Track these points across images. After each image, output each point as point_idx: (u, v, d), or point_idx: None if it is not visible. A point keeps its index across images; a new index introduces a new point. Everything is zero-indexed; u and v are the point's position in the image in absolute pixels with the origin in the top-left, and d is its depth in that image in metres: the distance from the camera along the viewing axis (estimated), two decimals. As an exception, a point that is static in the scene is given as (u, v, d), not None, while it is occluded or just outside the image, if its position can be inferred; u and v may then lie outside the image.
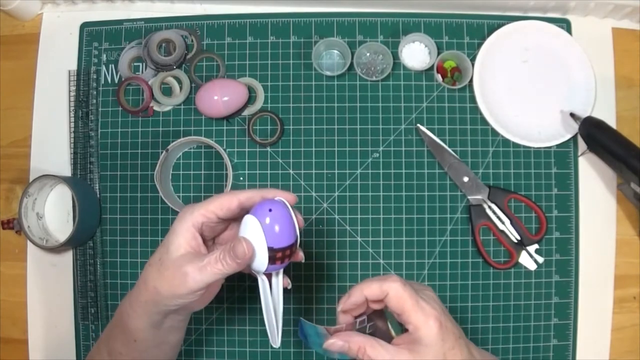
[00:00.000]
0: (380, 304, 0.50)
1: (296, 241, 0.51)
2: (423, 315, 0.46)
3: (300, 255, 0.54)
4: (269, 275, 0.53)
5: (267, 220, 0.49)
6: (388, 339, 0.50)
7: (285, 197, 0.51)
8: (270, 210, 0.49)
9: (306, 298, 0.72)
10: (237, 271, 0.49)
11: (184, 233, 0.51)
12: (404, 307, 0.47)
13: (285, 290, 0.54)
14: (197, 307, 0.55)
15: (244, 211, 0.51)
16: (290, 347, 0.71)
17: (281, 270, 0.53)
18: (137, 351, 0.54)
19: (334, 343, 0.48)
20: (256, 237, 0.49)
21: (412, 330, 0.47)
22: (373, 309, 0.51)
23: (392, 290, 0.47)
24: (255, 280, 0.53)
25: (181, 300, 0.50)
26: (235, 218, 0.53)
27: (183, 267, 0.49)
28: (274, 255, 0.49)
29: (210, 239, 0.55)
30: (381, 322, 0.52)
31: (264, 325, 0.54)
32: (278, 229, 0.49)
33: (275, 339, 0.54)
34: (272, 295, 0.53)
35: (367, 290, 0.49)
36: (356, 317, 0.51)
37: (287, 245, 0.50)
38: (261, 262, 0.50)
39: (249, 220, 0.49)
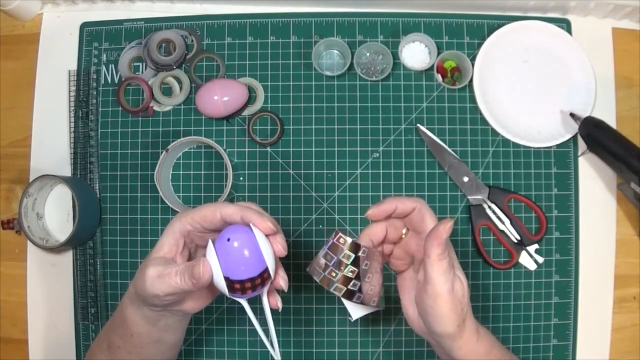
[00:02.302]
0: (396, 227, 0.54)
1: (263, 273, 0.48)
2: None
3: (280, 285, 0.51)
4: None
5: (225, 250, 0.47)
6: (376, 294, 0.52)
7: (260, 226, 0.49)
8: (228, 240, 0.47)
9: (306, 298, 0.72)
10: (197, 290, 0.48)
11: (169, 237, 0.51)
12: (425, 218, 0.51)
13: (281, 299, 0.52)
14: (190, 310, 0.53)
15: (227, 224, 0.50)
16: (290, 347, 0.71)
17: (264, 291, 0.51)
18: (134, 346, 0.54)
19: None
20: (215, 264, 0.47)
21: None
22: (390, 240, 0.54)
23: (420, 205, 0.52)
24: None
25: (149, 301, 0.49)
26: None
27: (147, 269, 0.48)
28: (232, 286, 0.48)
29: (203, 247, 0.54)
30: (377, 277, 0.53)
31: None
32: (235, 261, 0.47)
33: (274, 356, 0.52)
34: (264, 314, 0.52)
35: (399, 202, 0.52)
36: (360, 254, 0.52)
37: (246, 278, 0.47)
38: (222, 288, 0.48)
39: (209, 246, 0.48)
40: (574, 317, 0.71)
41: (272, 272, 0.49)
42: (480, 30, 0.75)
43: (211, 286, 0.49)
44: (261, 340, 0.52)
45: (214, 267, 0.47)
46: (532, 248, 0.71)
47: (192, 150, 0.75)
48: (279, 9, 0.76)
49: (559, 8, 0.74)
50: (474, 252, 0.72)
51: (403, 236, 0.54)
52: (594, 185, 0.73)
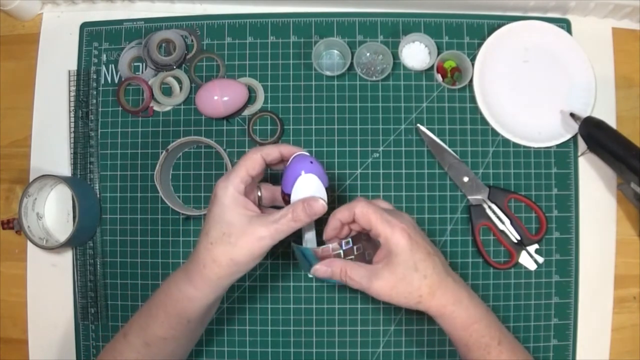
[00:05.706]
0: (355, 225, 0.57)
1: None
2: (389, 227, 0.53)
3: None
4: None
5: (316, 170, 0.55)
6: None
7: (299, 151, 0.57)
8: (311, 162, 0.55)
9: (306, 298, 0.71)
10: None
11: (237, 203, 0.54)
12: (370, 221, 0.54)
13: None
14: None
15: (267, 165, 0.56)
16: (290, 347, 0.71)
17: None
18: (188, 331, 0.57)
19: (319, 269, 0.55)
20: (317, 189, 0.54)
21: (383, 242, 0.54)
22: (355, 230, 0.58)
23: (358, 209, 0.54)
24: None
25: (255, 262, 0.54)
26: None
27: (257, 231, 0.52)
28: (328, 194, 0.56)
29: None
30: (370, 246, 0.57)
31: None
32: (322, 173, 0.55)
33: None
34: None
35: (339, 215, 0.56)
36: (341, 239, 0.57)
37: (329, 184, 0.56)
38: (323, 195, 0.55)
39: (305, 179, 0.54)
40: (574, 317, 0.71)
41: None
42: (480, 30, 0.75)
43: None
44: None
45: (319, 193, 0.54)
46: (532, 248, 0.71)
47: (192, 150, 0.75)
48: (279, 9, 0.76)
49: (559, 8, 0.74)
50: (474, 252, 0.72)
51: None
52: (594, 185, 0.73)
